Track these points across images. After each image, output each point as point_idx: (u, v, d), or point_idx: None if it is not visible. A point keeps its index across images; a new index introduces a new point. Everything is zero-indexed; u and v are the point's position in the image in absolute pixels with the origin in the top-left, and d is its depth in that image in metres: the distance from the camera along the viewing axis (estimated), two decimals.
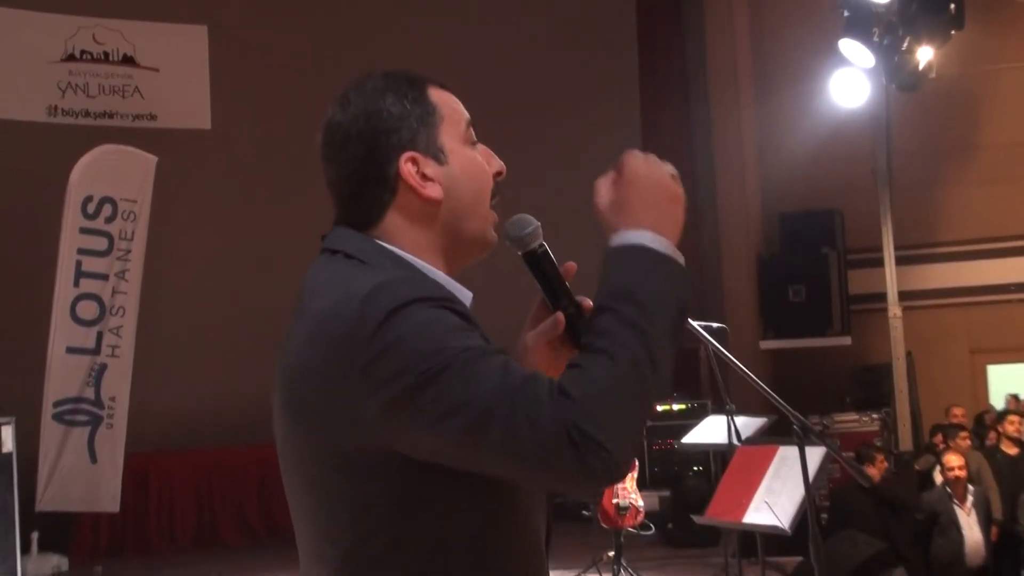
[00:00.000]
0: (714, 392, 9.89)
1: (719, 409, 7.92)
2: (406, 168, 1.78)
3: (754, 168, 11.75)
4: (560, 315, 1.87)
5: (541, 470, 1.55)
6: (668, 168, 1.78)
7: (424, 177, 1.79)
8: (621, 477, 1.56)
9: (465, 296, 1.83)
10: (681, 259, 1.71)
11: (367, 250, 1.78)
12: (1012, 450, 9.81)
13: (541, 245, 1.88)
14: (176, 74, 12.13)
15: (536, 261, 1.88)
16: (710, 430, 7.95)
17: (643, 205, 1.73)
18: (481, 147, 1.90)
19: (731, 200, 11.52)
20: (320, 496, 1.72)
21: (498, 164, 1.90)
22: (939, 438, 9.93)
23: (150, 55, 11.90)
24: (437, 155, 1.81)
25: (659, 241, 1.70)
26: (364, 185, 1.81)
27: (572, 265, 1.92)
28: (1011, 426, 9.79)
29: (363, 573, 1.70)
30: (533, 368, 1.91)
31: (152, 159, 10.46)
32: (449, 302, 1.65)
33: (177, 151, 11.43)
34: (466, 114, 1.88)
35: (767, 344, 11.10)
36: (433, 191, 1.79)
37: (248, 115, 12.26)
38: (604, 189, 1.79)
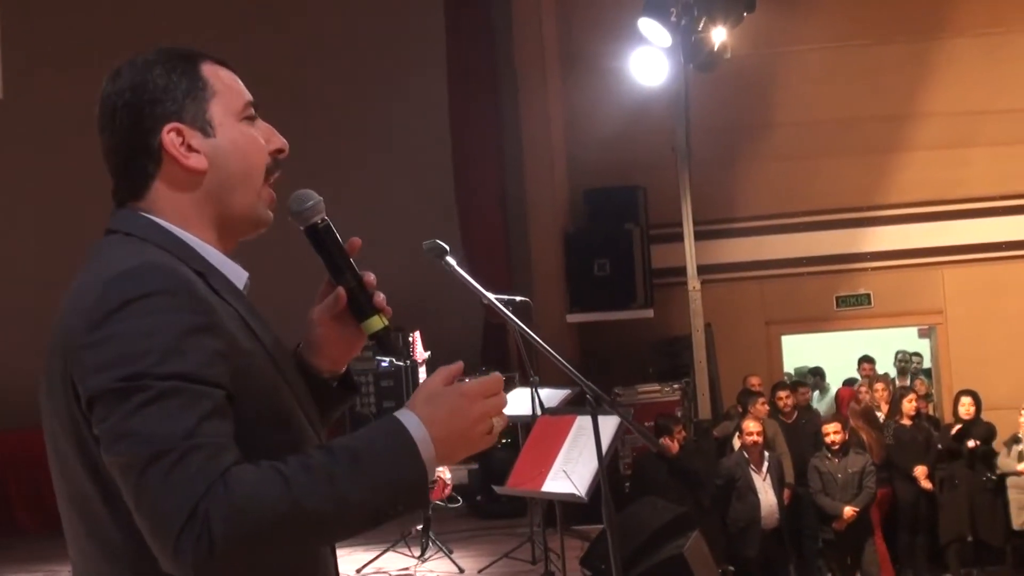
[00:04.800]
0: (521, 365, 10.02)
1: (525, 382, 8.03)
2: (168, 138, 1.79)
3: (561, 145, 11.90)
4: (341, 290, 1.91)
5: (146, 530, 1.55)
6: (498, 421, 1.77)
7: (189, 148, 1.79)
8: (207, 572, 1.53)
9: (239, 276, 1.85)
10: (430, 475, 1.69)
11: (141, 227, 1.79)
12: (788, 418, 10.37)
13: (323, 220, 1.90)
14: None
15: (317, 236, 1.90)
16: (516, 402, 8.03)
17: (447, 416, 1.72)
18: (263, 124, 1.90)
19: (538, 177, 11.64)
20: (61, 468, 1.73)
21: (279, 141, 1.90)
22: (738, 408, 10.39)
23: None
24: (204, 127, 1.81)
25: (428, 448, 1.68)
26: (131, 156, 1.81)
27: (356, 240, 1.93)
28: (780, 401, 10.29)
29: (93, 563, 1.72)
30: (321, 342, 1.99)
31: None
32: (193, 299, 1.65)
33: None
34: (244, 92, 1.88)
35: (573, 317, 11.30)
36: (196, 162, 1.80)
37: (44, 83, 11.77)
38: (442, 377, 1.78)
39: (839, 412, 11.38)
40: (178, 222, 1.80)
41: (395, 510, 1.65)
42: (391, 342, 1.94)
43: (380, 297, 1.93)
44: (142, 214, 1.81)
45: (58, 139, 11.76)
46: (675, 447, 9.11)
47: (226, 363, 1.64)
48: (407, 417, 1.68)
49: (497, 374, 1.81)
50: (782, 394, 10.44)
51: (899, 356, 13.88)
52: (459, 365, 1.78)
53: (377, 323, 1.91)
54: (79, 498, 1.70)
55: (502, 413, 1.77)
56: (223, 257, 1.84)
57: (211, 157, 1.81)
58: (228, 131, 1.83)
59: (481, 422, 1.73)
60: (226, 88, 1.86)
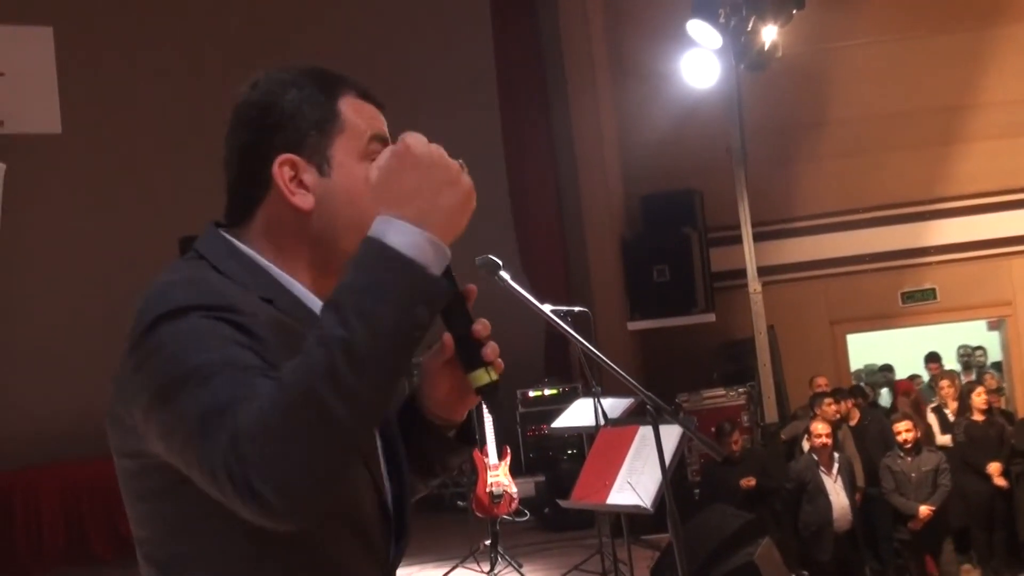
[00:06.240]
0: (583, 376, 9.98)
1: (588, 392, 8.00)
2: (279, 170, 1.70)
3: (614, 151, 11.86)
4: (447, 337, 1.77)
5: (231, 503, 1.45)
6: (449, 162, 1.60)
7: (300, 184, 1.70)
8: (298, 518, 1.44)
9: (317, 304, 1.72)
10: (437, 262, 1.51)
11: (217, 250, 1.72)
12: (851, 420, 10.16)
13: None
14: (22, 78, 11.71)
15: None
16: (579, 413, 8.01)
17: (408, 185, 1.54)
18: None
19: (593, 184, 11.61)
20: (126, 497, 1.69)
21: None
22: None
23: None
24: (321, 165, 1.71)
25: (408, 235, 1.50)
26: (240, 176, 1.75)
27: (472, 287, 1.77)
28: (829, 408, 9.94)
29: None
30: (430, 388, 1.84)
31: (0, 167, 10.12)
32: (229, 312, 1.55)
33: (27, 157, 11.07)
34: (374, 129, 1.77)
35: (634, 325, 11.23)
36: (303, 201, 1.70)
37: (101, 118, 11.95)
38: (376, 164, 1.60)
39: (894, 406, 11.27)
40: (273, 255, 1.73)
41: (413, 316, 1.48)
42: (496, 399, 1.75)
43: (491, 348, 1.74)
44: (225, 236, 1.74)
45: (115, 173, 11.94)
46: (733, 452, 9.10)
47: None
48: (372, 226, 1.52)
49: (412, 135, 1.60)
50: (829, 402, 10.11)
51: (961, 350, 13.64)
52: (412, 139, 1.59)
53: (483, 377, 1.74)
54: (143, 523, 1.67)
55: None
56: (305, 291, 1.74)
57: (320, 197, 1.70)
58: (346, 173, 1.72)
59: (440, 160, 1.57)
60: (357, 125, 1.75)
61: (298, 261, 1.73)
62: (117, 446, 1.66)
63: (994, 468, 9.64)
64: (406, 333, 1.48)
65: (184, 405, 1.47)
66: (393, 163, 1.56)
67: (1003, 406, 11.14)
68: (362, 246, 1.51)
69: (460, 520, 8.69)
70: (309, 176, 1.70)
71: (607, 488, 5.13)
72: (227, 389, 1.45)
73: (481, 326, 1.72)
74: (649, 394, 3.48)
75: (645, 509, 4.87)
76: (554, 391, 11.03)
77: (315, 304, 1.71)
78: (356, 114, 1.75)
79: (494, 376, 1.73)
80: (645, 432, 5.13)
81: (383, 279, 1.48)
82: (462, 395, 1.82)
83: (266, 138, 1.70)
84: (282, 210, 1.71)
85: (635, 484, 4.94)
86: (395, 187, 1.54)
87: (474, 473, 8.52)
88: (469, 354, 1.73)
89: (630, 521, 7.46)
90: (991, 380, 11.34)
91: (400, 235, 1.50)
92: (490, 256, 2.92)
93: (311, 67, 1.79)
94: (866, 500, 9.60)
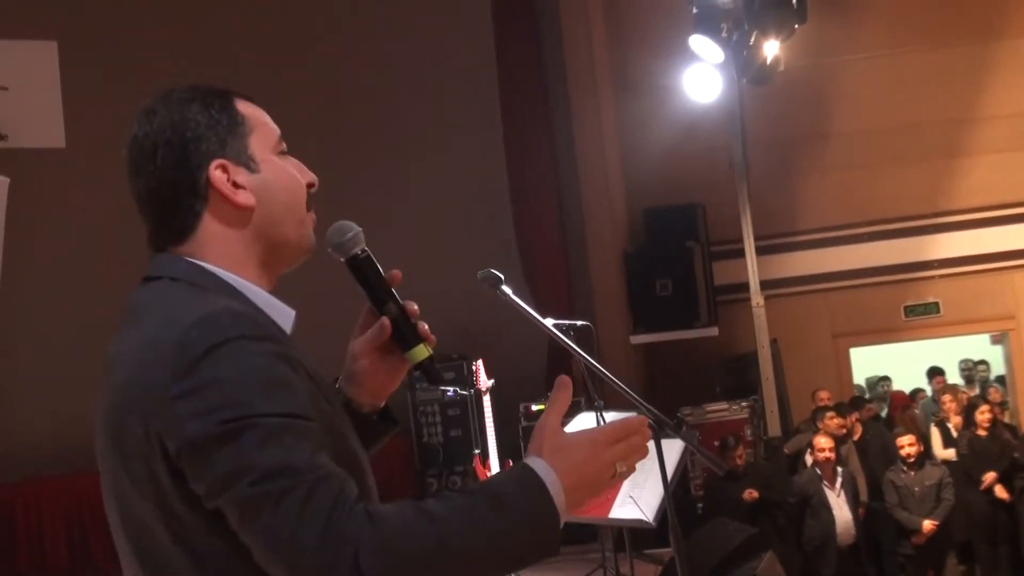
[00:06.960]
0: (586, 390, 9.95)
1: (590, 406, 7.97)
2: (216, 175, 1.75)
3: (617, 165, 11.85)
4: (386, 320, 1.88)
5: (284, 566, 1.50)
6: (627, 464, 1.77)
7: (235, 185, 1.76)
8: None
9: (287, 315, 1.80)
10: (559, 528, 1.67)
11: (187, 271, 1.74)
12: (854, 435, 10.13)
13: (363, 251, 1.89)
14: (26, 92, 11.74)
15: (358, 267, 1.90)
16: (581, 427, 7.98)
17: (577, 471, 1.70)
18: (292, 159, 1.87)
19: (595, 198, 11.60)
20: (132, 527, 1.67)
21: (310, 176, 1.88)
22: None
23: None
24: (248, 163, 1.78)
25: (558, 493, 1.66)
26: (175, 194, 1.77)
27: (397, 273, 1.92)
28: (831, 421, 9.88)
29: None
30: (364, 375, 1.95)
31: (4, 180, 10.13)
32: (274, 343, 1.61)
33: (31, 171, 11.09)
34: (276, 127, 1.86)
35: (637, 339, 11.21)
36: (245, 198, 1.76)
37: (105, 131, 11.91)
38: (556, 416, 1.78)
39: (890, 415, 11.27)
40: (225, 263, 1.76)
41: (530, 558, 1.63)
42: (436, 371, 1.95)
43: (424, 326, 1.91)
44: (185, 258, 1.77)
45: (119, 187, 11.89)
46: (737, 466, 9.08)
47: (315, 402, 1.63)
48: (538, 465, 1.67)
49: (634, 417, 1.82)
50: (831, 416, 10.06)
51: (963, 365, 13.61)
52: (567, 396, 1.80)
53: (422, 352, 1.92)
54: (153, 560, 1.65)
55: (631, 458, 1.77)
56: (270, 298, 1.79)
57: (258, 193, 1.78)
58: (270, 166, 1.81)
59: (609, 469, 1.73)
60: (261, 123, 1.84)
61: (248, 262, 1.78)
62: (137, 479, 1.63)
63: (989, 477, 9.56)
64: (516, 562, 1.63)
65: (254, 456, 1.52)
66: (587, 448, 1.73)
67: (1007, 420, 11.11)
68: (526, 471, 1.67)
69: None
70: (241, 176, 1.77)
71: (609, 502, 5.12)
72: (300, 452, 1.53)
73: (414, 307, 1.90)
74: (651, 408, 3.48)
75: (647, 523, 4.86)
76: None
77: (276, 312, 1.77)
78: (255, 115, 1.83)
79: (430, 350, 1.92)
80: (647, 446, 5.12)
81: (537, 516, 1.64)
82: (391, 376, 1.97)
83: (191, 151, 1.75)
84: (226, 214, 1.77)
85: (637, 498, 4.93)
86: (570, 462, 1.70)
87: None
88: (406, 333, 1.90)
89: (633, 535, 7.45)
90: (995, 393, 11.32)
91: (556, 493, 1.66)
92: (492, 270, 2.93)
93: (193, 84, 1.84)
94: (869, 514, 9.58)
